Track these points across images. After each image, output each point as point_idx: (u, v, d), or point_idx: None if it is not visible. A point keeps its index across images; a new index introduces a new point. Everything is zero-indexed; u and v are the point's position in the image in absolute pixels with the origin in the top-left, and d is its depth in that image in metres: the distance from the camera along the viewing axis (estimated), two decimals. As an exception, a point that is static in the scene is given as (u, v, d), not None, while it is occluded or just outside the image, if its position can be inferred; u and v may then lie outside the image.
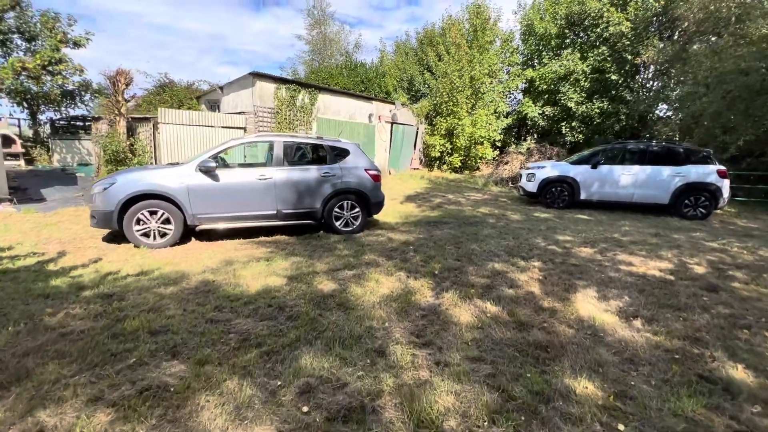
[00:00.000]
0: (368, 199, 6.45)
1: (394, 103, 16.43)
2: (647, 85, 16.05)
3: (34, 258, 4.69)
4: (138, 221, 5.22)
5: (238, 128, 11.48)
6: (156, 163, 9.97)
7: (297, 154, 7.13)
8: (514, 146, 19.83)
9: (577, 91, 16.29)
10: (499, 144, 18.75)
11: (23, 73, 13.29)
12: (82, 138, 14.89)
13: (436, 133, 17.16)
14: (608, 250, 5.54)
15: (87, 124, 15.04)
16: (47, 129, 15.77)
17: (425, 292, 3.89)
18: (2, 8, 13.33)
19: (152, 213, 5.27)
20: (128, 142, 9.36)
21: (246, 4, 55.54)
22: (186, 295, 3.61)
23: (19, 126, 15.68)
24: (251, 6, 55.52)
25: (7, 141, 13.67)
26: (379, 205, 6.73)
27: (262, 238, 5.98)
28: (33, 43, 14.50)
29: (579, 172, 9.17)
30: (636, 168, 8.92)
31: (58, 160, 14.79)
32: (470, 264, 4.79)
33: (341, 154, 6.42)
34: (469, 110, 16.69)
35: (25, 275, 4.07)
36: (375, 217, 7.18)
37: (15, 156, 13.92)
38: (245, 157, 11.03)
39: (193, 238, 5.85)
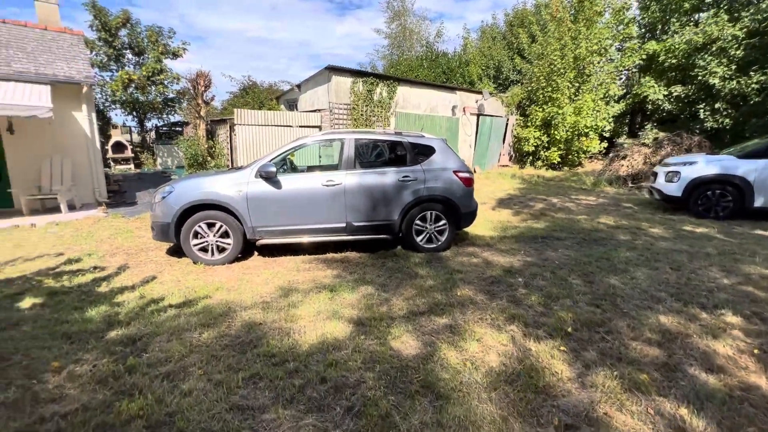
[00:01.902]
0: (457, 209, 5.12)
1: (481, 93, 14.65)
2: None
3: (93, 274, 4.33)
4: (195, 234, 4.63)
5: (313, 127, 10.95)
6: (231, 166, 9.85)
7: (371, 154, 6.09)
8: (626, 137, 16.55)
9: (723, 64, 12.71)
10: (607, 135, 15.73)
11: (131, 84, 14.58)
12: (180, 142, 15.98)
13: (530, 124, 14.95)
14: None
15: (183, 128, 16.08)
16: (153, 135, 17.32)
17: (558, 368, 2.47)
18: (116, 26, 14.73)
19: (210, 225, 4.64)
20: (207, 145, 9.36)
21: (331, 10, 57.29)
22: (221, 348, 2.71)
23: (130, 133, 17.50)
24: (336, 11, 57.10)
25: (120, 147, 15.18)
26: (470, 216, 5.35)
27: (330, 255, 5.04)
28: (141, 57, 15.89)
29: (753, 169, 6.59)
30: None
31: (160, 163, 16.07)
32: (618, 314, 3.20)
33: (425, 152, 5.19)
34: (572, 96, 14.15)
35: (72, 299, 3.62)
36: (464, 229, 5.82)
37: (126, 160, 15.41)
38: (320, 158, 10.44)
39: (255, 252, 5.15)
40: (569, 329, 2.95)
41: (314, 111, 11.47)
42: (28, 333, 2.93)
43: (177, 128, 17.22)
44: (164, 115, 16.98)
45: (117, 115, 15.02)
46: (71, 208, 7.75)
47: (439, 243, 5.16)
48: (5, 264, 4.66)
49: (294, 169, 5.71)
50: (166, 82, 15.55)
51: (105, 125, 15.42)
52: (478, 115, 14.56)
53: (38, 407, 2.07)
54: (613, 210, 8.05)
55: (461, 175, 5.16)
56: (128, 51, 15.66)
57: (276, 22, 58.24)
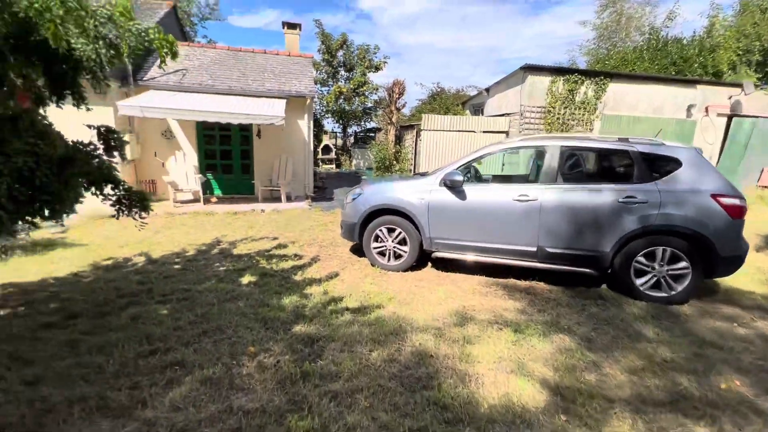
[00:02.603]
0: (712, 249, 3.55)
1: (739, 86, 10.70)
2: None
3: (293, 261, 4.91)
4: (376, 237, 4.68)
5: (498, 132, 10.17)
6: (414, 171, 10.11)
7: (581, 166, 4.97)
8: None
9: None
10: None
11: (341, 96, 17.05)
12: (372, 146, 17.83)
13: (830, 128, 10.03)
14: None
15: (375, 134, 17.84)
16: (351, 139, 19.95)
17: None
18: (336, 48, 17.49)
19: (390, 231, 4.61)
20: (394, 150, 9.89)
21: (522, 12, 54.31)
22: (389, 376, 2.43)
23: (335, 138, 20.64)
24: (528, 12, 53.79)
25: (327, 149, 18.03)
26: (734, 261, 3.66)
27: (512, 281, 4.30)
28: (351, 72, 18.41)
29: None
30: None
31: (354, 164, 18.31)
32: None
33: (663, 166, 3.81)
34: None
35: (275, 282, 4.11)
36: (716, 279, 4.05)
37: (330, 161, 18.20)
38: (503, 166, 9.60)
39: (429, 263, 4.89)
40: None
41: (501, 115, 10.66)
42: (240, 309, 3.39)
43: (371, 134, 19.30)
44: (362, 122, 19.31)
45: (328, 123, 18.24)
46: (288, 198, 9.43)
47: (674, 293, 3.70)
48: (240, 241, 5.83)
49: (479, 178, 5.19)
50: (366, 93, 17.57)
51: (319, 131, 18.62)
52: (731, 116, 10.68)
53: (230, 394, 2.20)
54: None
55: (726, 201, 3.55)
56: (342, 68, 18.40)
57: (464, 32, 59.07)
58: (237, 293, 3.77)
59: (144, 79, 8.70)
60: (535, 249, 4.04)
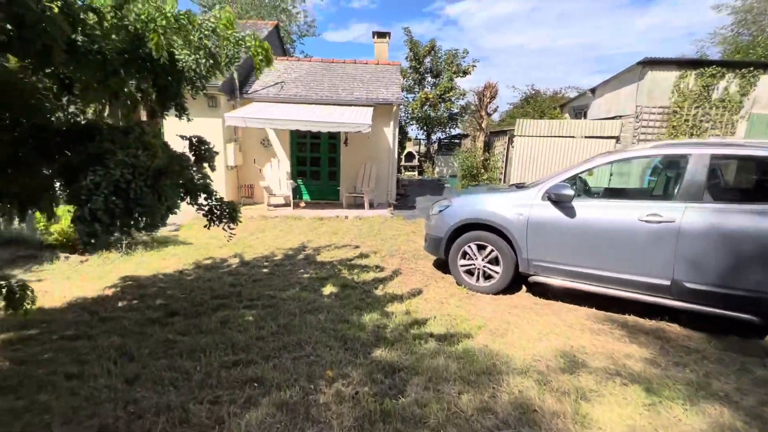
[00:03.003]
0: None
1: None
2: None
3: (374, 273, 4.74)
4: (464, 255, 4.26)
5: (607, 138, 8.91)
6: (504, 181, 9.34)
7: (739, 180, 3.96)
8: None
9: None
10: None
11: (426, 102, 16.84)
12: (455, 152, 17.25)
13: None
14: None
15: (460, 141, 17.22)
16: (435, 146, 19.59)
17: None
18: (423, 54, 17.38)
19: (480, 248, 4.16)
20: (482, 157, 9.27)
21: (630, 3, 48.34)
22: None
23: (419, 144, 20.47)
24: (636, 3, 47.70)
25: (410, 156, 17.94)
26: None
27: (632, 319, 3.52)
28: (437, 78, 18.12)
29: None
30: None
31: (437, 171, 17.91)
32: None
33: None
34: None
35: (356, 296, 3.96)
36: None
37: (413, 168, 18.07)
38: (610, 176, 8.33)
39: (524, 287, 4.31)
40: None
41: (611, 118, 9.34)
42: (321, 323, 3.28)
43: (455, 140, 18.72)
44: (447, 129, 18.85)
45: (412, 130, 18.20)
46: (371, 206, 9.44)
47: None
48: (324, 247, 5.88)
49: (588, 192, 4.46)
50: (453, 99, 17.10)
51: (403, 138, 18.65)
52: None
53: (305, 426, 2.02)
54: None
55: None
56: (428, 74, 18.22)
57: (560, 30, 54.67)
58: (318, 305, 3.69)
59: (248, 92, 9.50)
60: (668, 283, 3.24)
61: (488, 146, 9.86)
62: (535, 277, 3.90)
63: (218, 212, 2.57)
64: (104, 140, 1.73)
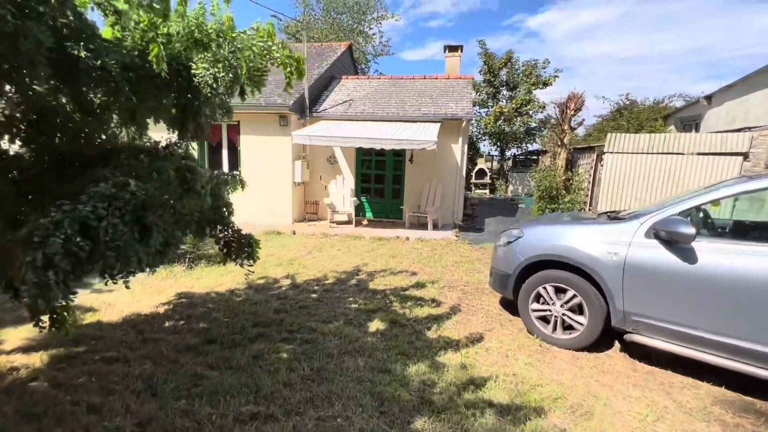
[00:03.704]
0: None
1: None
2: None
3: (429, 308, 4.20)
4: (538, 297, 3.53)
5: (730, 154, 7.26)
6: (590, 205, 8.08)
7: None
8: None
9: None
10: None
11: (501, 117, 15.87)
12: (532, 170, 15.89)
13: None
14: None
15: (538, 157, 15.85)
16: (509, 163, 18.33)
17: None
18: (499, 67, 16.50)
19: (559, 291, 3.40)
20: (564, 177, 8.16)
21: (745, 0, 41.44)
22: None
23: (491, 161, 19.35)
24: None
25: (481, 173, 16.98)
26: None
27: (763, 406, 2.50)
28: (514, 91, 17.04)
29: None
30: None
31: (511, 190, 16.68)
32: None
33: None
34: None
35: (404, 336, 3.46)
36: None
37: (484, 186, 17.07)
38: (733, 207, 6.69)
39: (617, 343, 3.42)
40: None
41: (736, 130, 7.63)
42: (358, 370, 2.84)
43: (533, 157, 17.32)
44: (523, 144, 17.53)
45: (484, 146, 17.33)
46: (435, 226, 8.88)
47: None
48: (379, 272, 5.49)
49: (711, 227, 3.45)
50: (531, 112, 15.87)
51: (474, 154, 17.78)
52: None
53: None
54: None
55: None
56: (504, 87, 17.22)
57: (659, 35, 48.83)
58: (360, 344, 3.27)
59: (318, 110, 9.70)
60: None
61: (571, 164, 8.71)
62: (634, 335, 3.03)
63: (236, 245, 2.30)
64: (112, 165, 1.55)
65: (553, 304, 3.41)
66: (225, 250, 2.32)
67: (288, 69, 2.02)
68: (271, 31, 2.28)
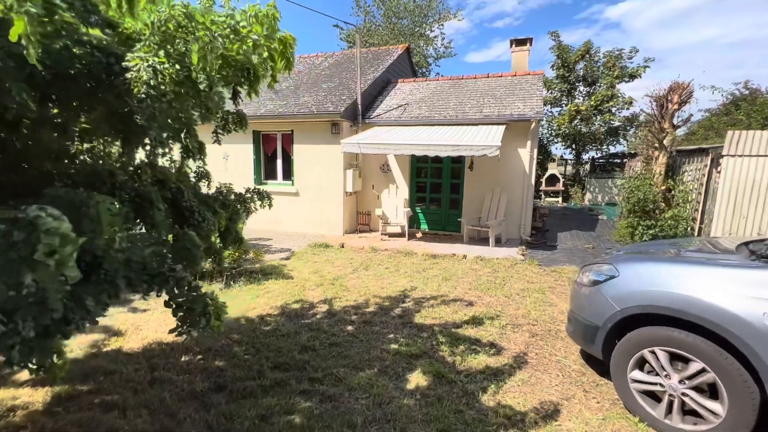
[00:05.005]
0: None
1: None
2: None
3: (486, 357, 3.36)
4: (641, 363, 2.54)
5: None
6: (702, 223, 6.33)
7: None
8: None
9: None
10: None
11: (577, 116, 14.10)
12: (616, 176, 13.82)
13: None
14: None
15: (623, 161, 13.79)
16: (587, 168, 16.27)
17: None
18: (575, 60, 14.74)
19: (677, 358, 2.38)
20: (663, 186, 6.60)
21: None
22: None
23: (565, 165, 17.35)
24: None
25: (552, 180, 15.26)
26: None
27: None
28: (593, 87, 15.13)
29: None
30: None
31: (588, 198, 14.74)
32: None
33: None
34: None
35: (450, 400, 2.69)
36: None
37: (556, 193, 15.31)
38: None
39: (771, 443, 2.29)
40: None
41: None
42: (384, 456, 2.15)
43: (615, 160, 15.17)
44: (604, 146, 15.43)
45: (556, 149, 15.44)
46: (497, 242, 7.85)
47: None
48: (428, 300, 4.74)
49: None
50: (614, 110, 13.87)
51: (544, 159, 16.08)
52: None
53: None
54: None
55: None
56: (581, 83, 15.37)
57: (778, 11, 41.04)
58: (392, 411, 2.57)
59: (371, 116, 9.22)
60: None
61: (672, 170, 7.10)
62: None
63: (194, 311, 1.68)
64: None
65: (667, 377, 2.40)
66: (179, 315, 1.73)
67: (266, 54, 1.43)
68: (277, 15, 1.71)
